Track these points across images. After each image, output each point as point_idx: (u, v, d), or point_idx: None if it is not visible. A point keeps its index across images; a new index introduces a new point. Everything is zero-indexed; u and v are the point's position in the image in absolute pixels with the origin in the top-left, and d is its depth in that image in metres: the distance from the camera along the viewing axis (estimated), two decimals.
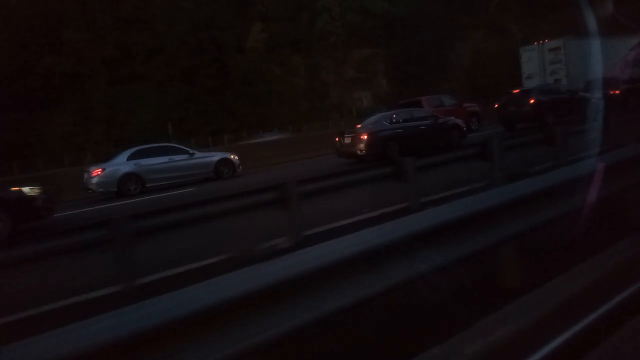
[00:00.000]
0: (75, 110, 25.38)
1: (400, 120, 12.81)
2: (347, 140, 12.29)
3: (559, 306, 2.81)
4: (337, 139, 12.86)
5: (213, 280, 1.99)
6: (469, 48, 48.73)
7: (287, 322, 2.04)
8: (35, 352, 1.60)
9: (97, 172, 12.20)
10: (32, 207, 8.20)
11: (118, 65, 27.17)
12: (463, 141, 13.25)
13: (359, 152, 12.02)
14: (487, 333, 2.55)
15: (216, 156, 14.04)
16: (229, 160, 14.01)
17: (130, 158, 12.69)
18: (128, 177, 12.23)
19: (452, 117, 14.33)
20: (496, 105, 18.86)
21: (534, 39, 33.10)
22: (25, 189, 8.47)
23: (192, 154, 13.52)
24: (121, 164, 12.53)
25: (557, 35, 33.03)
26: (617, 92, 23.53)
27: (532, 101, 17.13)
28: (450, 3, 49.32)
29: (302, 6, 35.70)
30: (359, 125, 13.15)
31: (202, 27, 28.01)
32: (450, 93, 32.81)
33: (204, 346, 1.87)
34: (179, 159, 13.20)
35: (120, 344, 1.68)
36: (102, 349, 1.65)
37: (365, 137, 11.96)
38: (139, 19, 27.00)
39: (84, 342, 1.64)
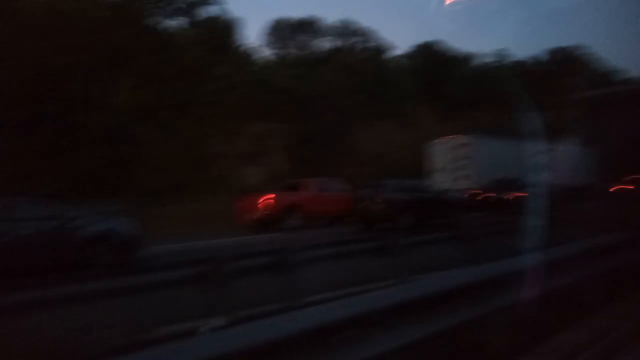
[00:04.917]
0: None
1: None
2: None
3: None
4: None
5: None
6: (377, 136, 48.12)
7: None
8: None
9: None
10: None
11: None
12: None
13: None
14: None
15: None
16: None
17: None
18: None
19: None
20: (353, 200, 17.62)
21: (448, 134, 32.17)
22: None
23: None
24: None
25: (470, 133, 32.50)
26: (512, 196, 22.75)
27: (383, 198, 16.08)
28: (363, 89, 49.17)
29: (193, 69, 32.92)
30: None
31: (47, 75, 23.81)
32: (353, 179, 30.36)
33: None
34: None
35: None
36: None
37: None
38: None
39: None
